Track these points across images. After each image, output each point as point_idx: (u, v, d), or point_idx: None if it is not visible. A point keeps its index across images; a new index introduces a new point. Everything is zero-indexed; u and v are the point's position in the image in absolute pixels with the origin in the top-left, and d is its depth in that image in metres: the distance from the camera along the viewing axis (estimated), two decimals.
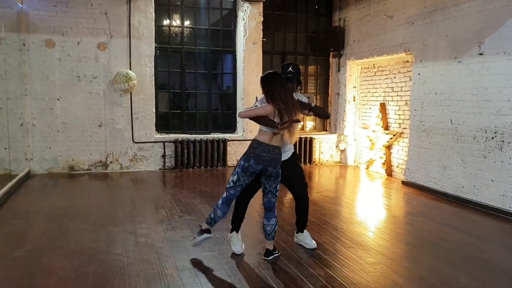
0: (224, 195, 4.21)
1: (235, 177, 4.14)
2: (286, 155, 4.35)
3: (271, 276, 3.87)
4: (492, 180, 6.09)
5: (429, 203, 6.70)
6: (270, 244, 4.27)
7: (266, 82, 4.03)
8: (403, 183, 7.96)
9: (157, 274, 3.86)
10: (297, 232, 4.72)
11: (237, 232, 4.51)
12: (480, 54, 6.27)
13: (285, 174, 4.28)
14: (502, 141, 5.95)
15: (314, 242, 4.60)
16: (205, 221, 4.34)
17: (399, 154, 8.58)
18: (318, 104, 10.44)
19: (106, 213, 5.81)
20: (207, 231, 4.29)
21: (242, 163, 4.11)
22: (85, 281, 3.71)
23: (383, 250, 4.57)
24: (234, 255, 4.35)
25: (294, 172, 4.44)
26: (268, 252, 4.27)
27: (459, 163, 6.69)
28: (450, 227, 5.42)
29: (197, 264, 4.12)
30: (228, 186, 4.19)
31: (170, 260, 4.18)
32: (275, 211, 4.24)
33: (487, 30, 6.15)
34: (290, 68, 4.29)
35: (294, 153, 4.51)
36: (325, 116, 4.77)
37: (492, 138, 6.10)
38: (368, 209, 6.36)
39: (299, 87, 4.40)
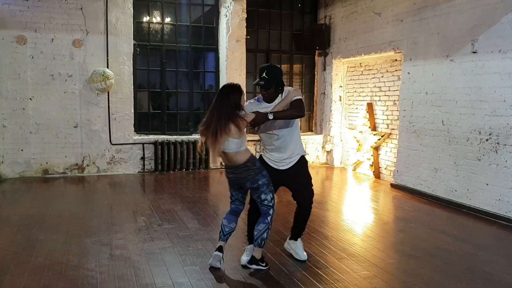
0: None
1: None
2: (287, 163, 4.06)
3: None
4: (487, 184, 5.86)
5: (421, 207, 6.44)
6: (257, 252, 3.96)
7: None
8: (392, 185, 7.71)
9: None
10: (290, 239, 4.37)
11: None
12: (474, 52, 6.03)
13: (288, 181, 4.08)
14: (497, 143, 5.71)
15: (305, 254, 4.27)
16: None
17: (387, 156, 8.32)
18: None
19: (80, 221, 5.40)
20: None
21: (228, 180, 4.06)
22: None
23: (377, 262, 4.27)
24: (216, 270, 3.99)
25: (298, 179, 4.11)
26: (252, 260, 3.97)
27: (451, 165, 6.45)
28: (445, 235, 5.14)
29: (177, 280, 3.75)
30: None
31: (148, 276, 3.81)
32: (267, 218, 3.90)
33: (481, 27, 5.91)
34: (264, 73, 3.86)
35: (301, 158, 4.12)
36: (296, 116, 3.95)
37: (487, 140, 5.87)
38: (357, 215, 6.06)
39: (280, 93, 3.97)
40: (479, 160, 5.99)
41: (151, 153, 8.78)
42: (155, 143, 8.73)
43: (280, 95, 3.96)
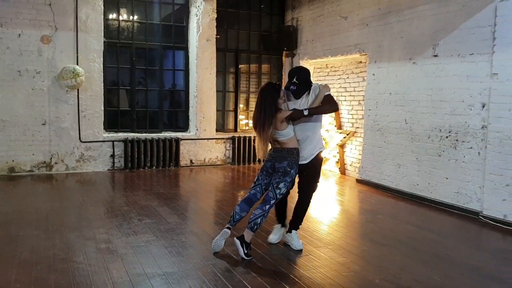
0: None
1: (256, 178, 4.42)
2: (304, 159, 4.34)
3: (246, 279, 3.74)
4: (447, 178, 6.32)
5: (386, 200, 6.85)
6: (247, 234, 4.18)
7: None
8: (358, 181, 8.10)
9: (127, 282, 3.62)
10: (286, 232, 4.61)
11: (282, 225, 4.64)
12: (435, 56, 6.48)
13: (300, 172, 4.38)
14: (456, 140, 6.18)
15: (301, 243, 4.52)
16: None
17: (352, 153, 8.72)
18: None
19: (59, 217, 5.42)
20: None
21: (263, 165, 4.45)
22: None
23: (352, 249, 4.58)
24: (205, 259, 4.18)
25: (305, 175, 4.40)
26: (240, 237, 4.18)
27: (413, 161, 6.89)
28: (411, 225, 5.55)
29: (167, 270, 3.91)
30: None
31: (138, 267, 3.94)
32: (265, 206, 4.18)
33: (442, 32, 6.36)
34: (294, 78, 4.21)
35: (314, 159, 4.38)
36: (330, 111, 4.49)
37: (447, 137, 6.33)
38: (328, 208, 6.38)
39: (307, 91, 4.29)
40: (439, 156, 6.44)
41: (121, 150, 8.79)
42: (125, 141, 8.75)
43: (307, 91, 4.27)
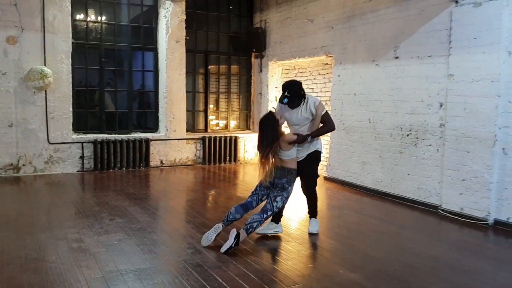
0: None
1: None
2: (300, 156, 4.83)
3: (217, 273, 3.89)
4: (408, 174, 6.63)
5: (351, 196, 7.12)
6: (243, 234, 4.43)
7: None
8: (325, 178, 8.35)
9: (101, 279, 3.71)
10: (310, 218, 5.17)
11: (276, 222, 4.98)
12: (396, 58, 6.78)
13: (299, 170, 4.81)
14: (417, 138, 6.49)
15: (317, 228, 5.06)
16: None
17: None
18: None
19: (29, 219, 5.43)
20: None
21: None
22: None
23: (319, 243, 4.81)
24: (176, 255, 4.30)
25: (306, 170, 4.86)
26: (236, 236, 4.39)
27: (377, 159, 7.18)
28: (375, 219, 5.82)
29: (139, 266, 4.01)
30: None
31: (111, 264, 4.03)
32: (264, 215, 4.51)
33: (402, 35, 6.67)
34: (286, 92, 4.66)
35: (309, 155, 4.84)
36: (329, 131, 5.06)
37: (407, 135, 6.63)
38: (298, 205, 6.57)
39: (302, 101, 4.74)
40: (401, 153, 6.75)
41: (90, 152, 8.78)
42: (94, 142, 8.74)
43: (302, 101, 4.75)
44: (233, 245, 4.34)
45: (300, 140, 4.68)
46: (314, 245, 4.71)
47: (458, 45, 5.85)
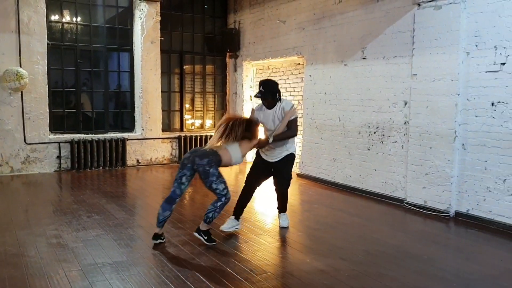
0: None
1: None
2: (276, 157, 5.06)
3: (192, 265, 4.10)
4: (375, 170, 6.94)
5: (322, 192, 7.40)
6: (202, 225, 4.64)
7: None
8: (298, 175, 8.61)
9: (79, 272, 3.89)
10: (279, 212, 5.41)
11: (235, 217, 5.16)
12: (363, 58, 7.09)
13: (274, 172, 5.14)
14: (383, 135, 6.81)
15: (288, 222, 5.34)
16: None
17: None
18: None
19: (7, 217, 5.55)
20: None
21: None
22: (1, 286, 3.62)
23: (288, 235, 5.06)
24: (152, 249, 4.50)
25: (279, 172, 5.13)
26: (197, 230, 4.68)
27: (346, 155, 7.49)
28: (343, 212, 6.11)
29: (116, 259, 4.20)
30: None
31: (89, 258, 4.21)
32: (217, 203, 4.56)
33: (369, 37, 6.98)
34: (261, 87, 4.92)
35: (286, 156, 5.06)
36: (290, 137, 5.05)
37: (374, 132, 6.95)
38: (269, 200, 6.82)
39: (277, 101, 4.95)
40: (369, 150, 7.06)
41: (67, 151, 8.87)
42: (71, 142, 8.84)
43: (279, 102, 4.96)
44: (205, 239, 4.60)
45: (262, 144, 4.88)
46: (284, 238, 4.96)
47: (420, 46, 6.18)
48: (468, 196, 5.72)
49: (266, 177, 5.24)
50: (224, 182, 4.57)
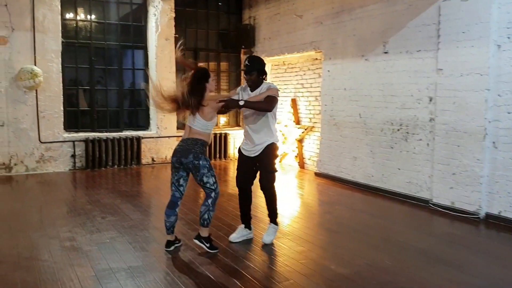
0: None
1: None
2: (255, 151, 4.56)
3: (208, 269, 3.92)
4: (399, 169, 6.68)
5: (342, 192, 7.16)
6: (202, 230, 4.33)
7: None
8: (316, 174, 8.39)
9: (93, 277, 3.72)
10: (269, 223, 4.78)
11: (245, 226, 4.78)
12: (385, 52, 6.82)
13: (257, 166, 4.58)
14: (407, 133, 6.54)
15: (270, 239, 4.65)
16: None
17: (311, 147, 9.02)
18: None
19: (21, 217, 5.44)
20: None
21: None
22: None
23: (309, 238, 4.83)
24: (168, 253, 4.32)
25: (261, 164, 4.55)
26: (197, 237, 4.38)
27: (368, 154, 7.23)
28: (365, 214, 5.87)
29: (131, 264, 4.03)
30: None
31: (103, 262, 4.04)
32: (208, 201, 4.26)
33: (391, 31, 6.71)
34: (246, 61, 4.52)
35: (267, 147, 4.51)
36: (262, 110, 4.42)
37: (398, 130, 6.68)
38: (288, 201, 6.62)
39: (262, 78, 4.53)
40: (392, 148, 6.80)
41: (82, 150, 8.76)
42: (85, 140, 8.73)
43: (264, 84, 4.52)
44: (208, 246, 4.31)
45: (231, 103, 4.31)
46: (305, 241, 4.73)
47: (446, 39, 5.89)
48: (499, 197, 5.41)
49: (255, 174, 4.69)
50: (215, 176, 4.27)
